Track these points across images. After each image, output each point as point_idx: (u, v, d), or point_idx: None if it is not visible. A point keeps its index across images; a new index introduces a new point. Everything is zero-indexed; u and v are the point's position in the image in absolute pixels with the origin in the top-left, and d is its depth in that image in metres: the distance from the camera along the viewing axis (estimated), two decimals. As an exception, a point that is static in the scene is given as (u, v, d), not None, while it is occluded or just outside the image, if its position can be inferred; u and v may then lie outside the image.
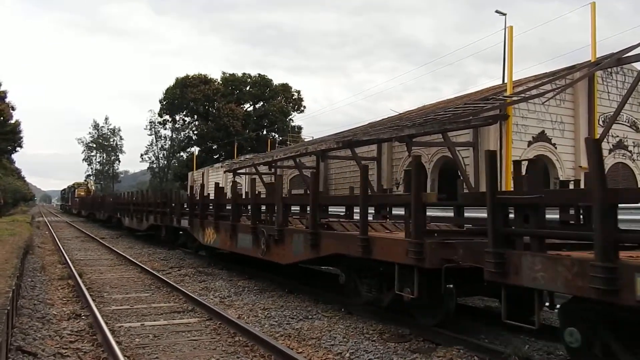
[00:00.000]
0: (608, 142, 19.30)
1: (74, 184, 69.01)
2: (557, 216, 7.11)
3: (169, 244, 18.90)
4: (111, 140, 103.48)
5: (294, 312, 8.37)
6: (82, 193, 57.95)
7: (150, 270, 12.82)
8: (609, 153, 19.40)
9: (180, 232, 17.70)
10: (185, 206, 16.34)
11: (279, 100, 64.58)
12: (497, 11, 29.69)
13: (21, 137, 49.67)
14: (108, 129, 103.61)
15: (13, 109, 47.41)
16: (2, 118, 44.67)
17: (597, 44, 18.40)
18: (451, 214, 8.49)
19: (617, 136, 19.69)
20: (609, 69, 19.40)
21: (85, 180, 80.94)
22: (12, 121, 47.25)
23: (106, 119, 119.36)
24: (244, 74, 66.99)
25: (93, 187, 63.95)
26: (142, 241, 22.32)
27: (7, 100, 46.50)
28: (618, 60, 18.81)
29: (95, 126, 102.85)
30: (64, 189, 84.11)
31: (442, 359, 5.94)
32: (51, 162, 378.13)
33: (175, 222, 16.63)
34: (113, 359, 5.73)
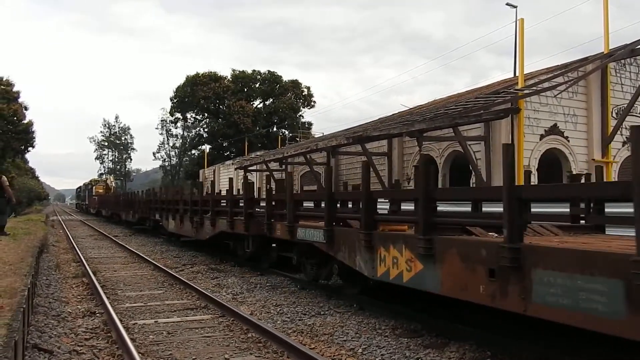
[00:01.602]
0: (622, 135, 19.09)
1: (91, 181, 64.12)
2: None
3: (254, 264, 12.91)
4: (122, 138, 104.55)
5: (306, 308, 8.39)
6: (101, 190, 52.80)
7: (163, 267, 12.91)
8: (623, 145, 19.18)
9: (274, 245, 12.12)
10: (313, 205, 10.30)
11: (288, 97, 64.54)
12: (507, 4, 29.35)
13: (34, 137, 50.23)
14: (119, 128, 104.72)
15: (26, 108, 48.01)
16: (15, 118, 45.22)
17: (610, 35, 18.18)
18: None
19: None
20: (623, 61, 19.16)
21: (104, 177, 73.55)
22: (25, 121, 47.82)
23: (116, 117, 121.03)
24: (253, 71, 67.04)
25: (113, 184, 55.77)
26: (154, 239, 22.48)
27: (20, 100, 47.11)
28: (631, 51, 18.60)
29: (106, 125, 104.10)
30: (80, 187, 78.25)
31: (455, 354, 5.93)
32: (64, 161, 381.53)
33: (278, 230, 10.26)
34: (127, 355, 5.78)
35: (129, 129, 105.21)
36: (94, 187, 56.12)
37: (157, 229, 22.90)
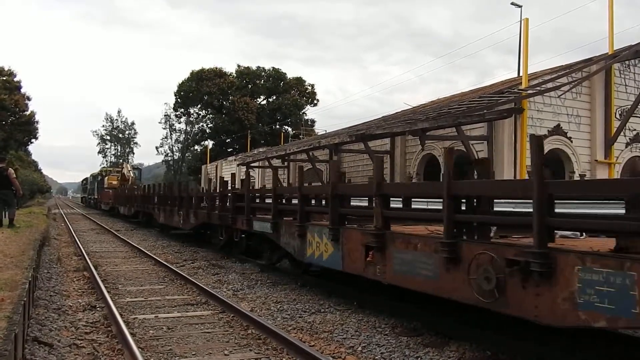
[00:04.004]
0: (625, 136, 19.04)
1: (101, 171, 54.47)
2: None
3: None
4: (126, 132, 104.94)
5: (306, 306, 8.39)
6: (115, 182, 43.13)
7: (164, 262, 12.92)
8: (626, 147, 19.14)
9: None
10: None
11: (292, 94, 64.63)
12: (512, 3, 29.20)
13: (37, 128, 50.32)
14: (121, 122, 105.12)
15: (28, 99, 48.10)
16: (17, 109, 45.24)
17: (619, 34, 18.42)
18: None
19: (635, 130, 19.40)
20: (627, 62, 19.10)
21: (118, 165, 60.02)
22: (27, 112, 47.86)
23: (119, 111, 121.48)
24: (258, 67, 67.14)
25: (131, 174, 42.46)
26: (155, 234, 22.51)
27: (22, 91, 47.16)
28: (636, 52, 18.54)
29: (109, 119, 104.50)
30: (86, 178, 67.25)
31: (455, 353, 5.93)
32: (67, 154, 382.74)
33: None
34: (127, 350, 5.79)
35: (133, 124, 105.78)
36: (105, 178, 46.37)
37: (236, 246, 13.90)
